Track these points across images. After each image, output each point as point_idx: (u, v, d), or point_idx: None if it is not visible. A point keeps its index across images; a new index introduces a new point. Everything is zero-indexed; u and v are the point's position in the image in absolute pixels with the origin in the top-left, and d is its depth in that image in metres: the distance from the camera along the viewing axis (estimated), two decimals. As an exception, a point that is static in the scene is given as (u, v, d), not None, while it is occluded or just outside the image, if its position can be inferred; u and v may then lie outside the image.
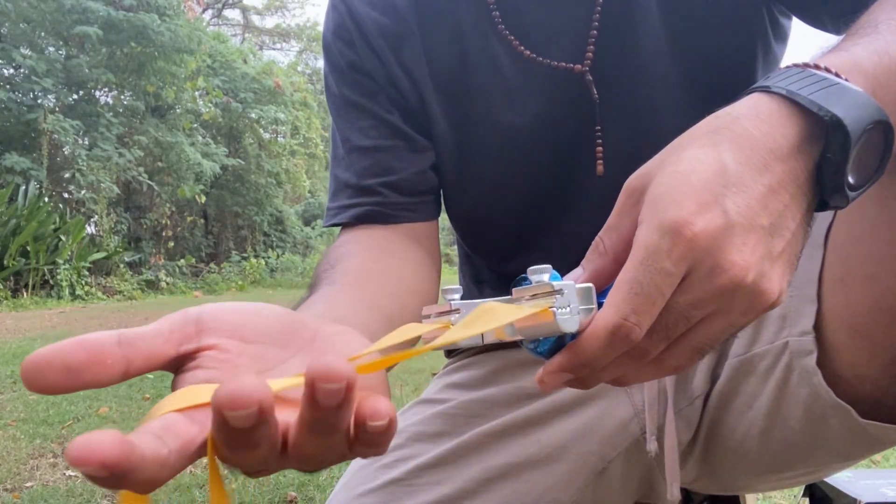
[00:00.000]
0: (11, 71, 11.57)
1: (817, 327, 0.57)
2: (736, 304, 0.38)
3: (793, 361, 0.60)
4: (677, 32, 0.69)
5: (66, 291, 9.84)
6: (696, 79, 0.69)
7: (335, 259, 0.67)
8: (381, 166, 0.74)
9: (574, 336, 0.39)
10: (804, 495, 1.28)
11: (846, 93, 0.39)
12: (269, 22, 23.46)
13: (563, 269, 0.77)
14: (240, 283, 12.95)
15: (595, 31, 0.69)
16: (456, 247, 0.93)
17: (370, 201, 0.73)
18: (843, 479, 1.20)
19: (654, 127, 0.70)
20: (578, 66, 0.70)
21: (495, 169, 0.74)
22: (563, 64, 0.70)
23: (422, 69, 0.74)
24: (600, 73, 0.70)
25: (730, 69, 0.69)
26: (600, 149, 0.71)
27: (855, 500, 1.15)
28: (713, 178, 0.38)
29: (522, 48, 0.71)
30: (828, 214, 0.57)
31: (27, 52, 11.44)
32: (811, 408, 0.58)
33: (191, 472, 2.00)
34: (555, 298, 0.37)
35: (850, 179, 0.39)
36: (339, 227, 0.76)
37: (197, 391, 0.33)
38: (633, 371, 0.41)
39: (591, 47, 0.69)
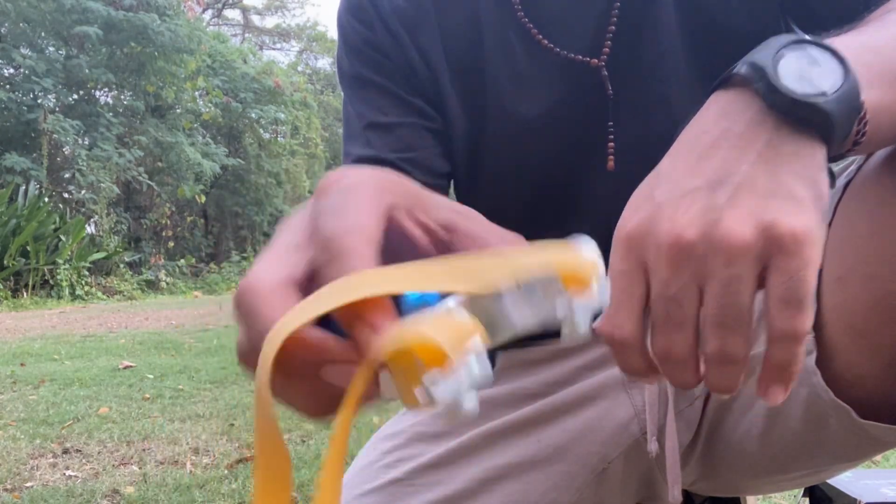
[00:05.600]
0: (11, 71, 11.59)
1: (816, 327, 0.57)
2: (707, 262, 0.37)
3: (793, 361, 0.60)
4: (693, 32, 0.69)
5: (66, 291, 9.85)
6: (710, 78, 0.69)
7: None
8: (402, 142, 0.72)
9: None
10: (804, 495, 1.28)
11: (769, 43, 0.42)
12: (269, 22, 23.49)
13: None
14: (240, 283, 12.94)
15: (613, 27, 0.68)
16: None
17: None
18: (843, 479, 1.20)
19: (666, 124, 0.69)
20: (595, 61, 0.69)
21: (504, 159, 0.73)
22: (580, 57, 0.69)
23: (438, 54, 0.73)
24: (616, 69, 0.69)
25: None
26: (612, 144, 0.70)
27: (855, 500, 1.15)
28: (648, 182, 0.42)
29: (540, 37, 0.70)
30: (827, 214, 0.57)
31: (27, 52, 11.46)
32: (810, 408, 0.58)
33: (191, 472, 2.00)
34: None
35: (786, 83, 0.39)
36: None
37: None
38: (686, 372, 0.41)
39: (609, 42, 0.69)
